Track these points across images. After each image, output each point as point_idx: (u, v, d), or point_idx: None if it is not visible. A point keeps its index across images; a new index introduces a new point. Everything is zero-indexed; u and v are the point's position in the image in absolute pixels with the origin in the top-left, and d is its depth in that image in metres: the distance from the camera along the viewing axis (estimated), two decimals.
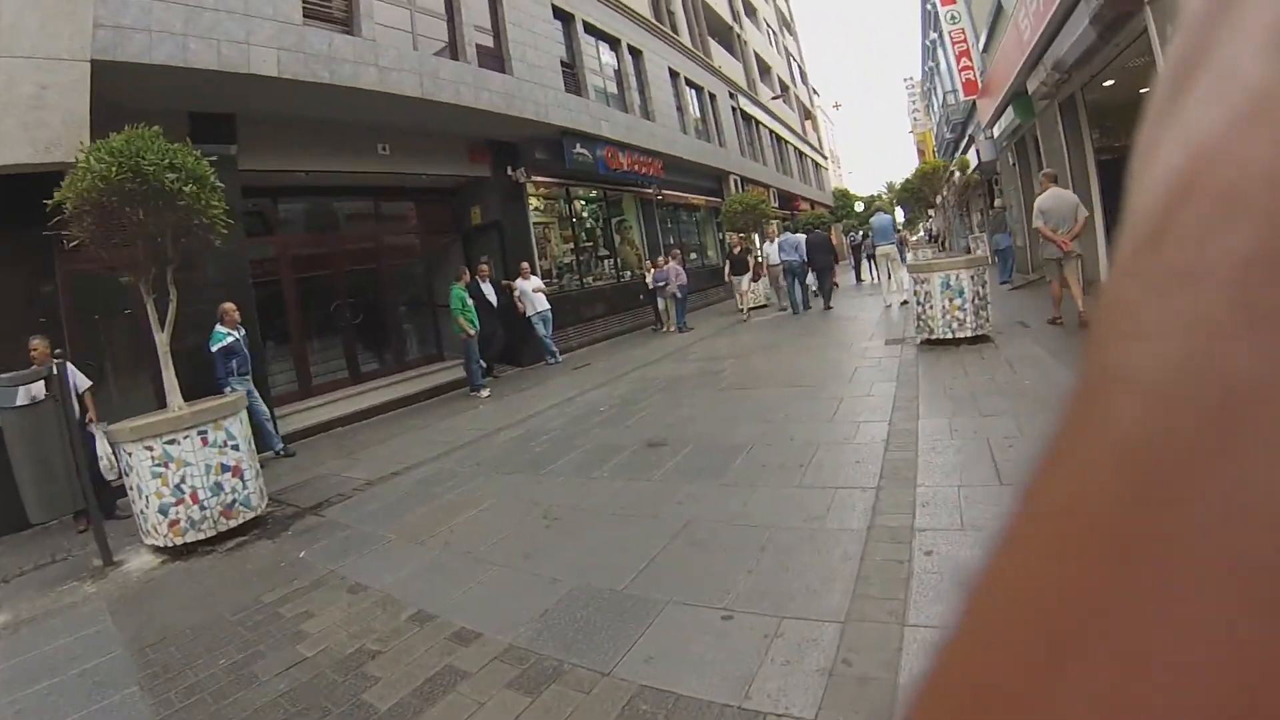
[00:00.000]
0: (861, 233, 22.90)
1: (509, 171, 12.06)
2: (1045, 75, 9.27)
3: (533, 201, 13.00)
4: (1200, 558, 0.09)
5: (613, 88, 15.46)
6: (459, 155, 11.52)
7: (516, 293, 11.15)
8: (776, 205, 27.66)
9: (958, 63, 16.83)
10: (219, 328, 7.13)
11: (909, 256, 14.11)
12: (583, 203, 15.17)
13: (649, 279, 13.90)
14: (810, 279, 13.95)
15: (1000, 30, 12.80)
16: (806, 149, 38.60)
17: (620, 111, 15.15)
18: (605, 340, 13.85)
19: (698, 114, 20.90)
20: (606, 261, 15.64)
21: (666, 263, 13.36)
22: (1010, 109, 12.65)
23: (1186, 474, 0.09)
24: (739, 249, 14.51)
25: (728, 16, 26.76)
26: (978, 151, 17.88)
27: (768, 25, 35.33)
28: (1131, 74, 8.80)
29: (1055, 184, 7.62)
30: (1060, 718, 0.09)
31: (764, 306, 15.53)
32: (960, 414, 4.79)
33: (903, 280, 11.67)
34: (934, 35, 24.57)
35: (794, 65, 42.04)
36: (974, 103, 17.67)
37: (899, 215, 22.71)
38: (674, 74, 18.93)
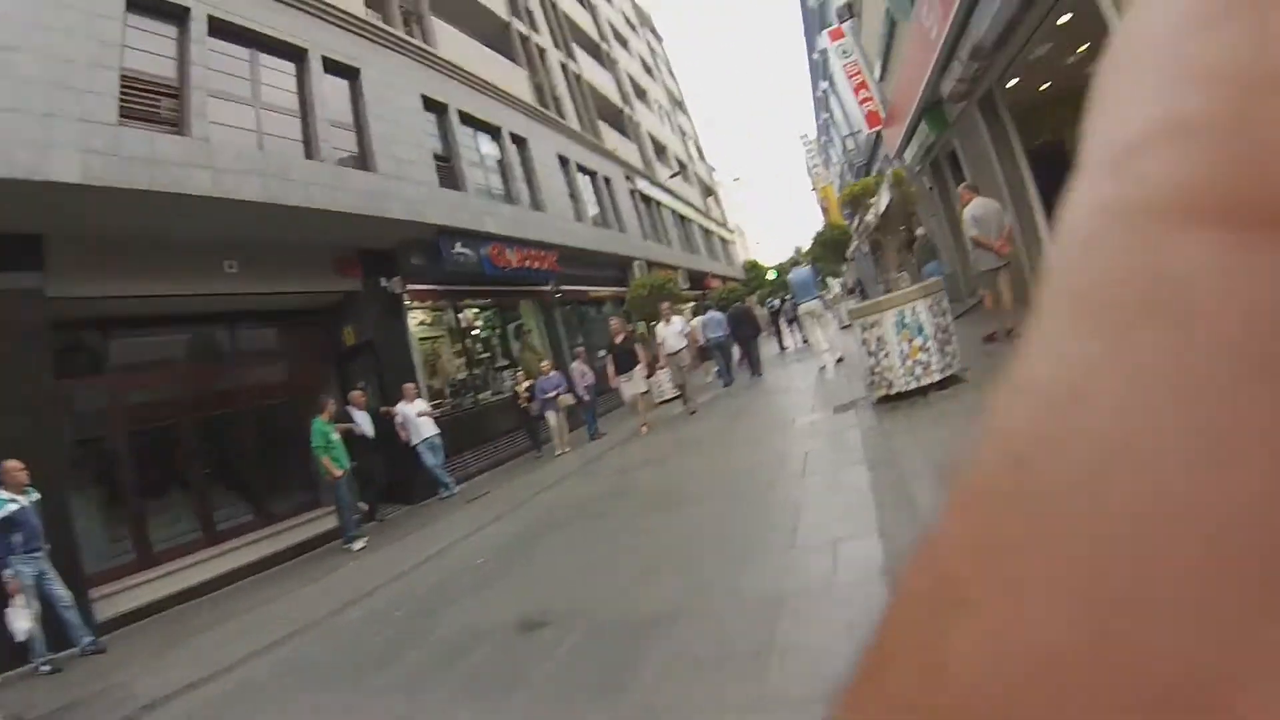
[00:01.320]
0: (779, 299, 22.87)
1: (382, 283, 11.16)
2: (962, 69, 8.93)
3: (416, 315, 12.12)
4: (1052, 516, 0.12)
5: (496, 180, 14.90)
6: (323, 268, 10.57)
7: (398, 419, 10.03)
8: (687, 286, 27.57)
9: (856, 95, 16.92)
10: None
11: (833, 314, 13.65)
12: (475, 311, 14.35)
13: (522, 390, 12.31)
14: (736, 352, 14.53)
15: (896, 51, 12.91)
16: (712, 225, 39.22)
17: (506, 204, 14.55)
18: (512, 460, 12.76)
19: (593, 200, 20.64)
20: (507, 373, 14.73)
21: (550, 370, 11.90)
22: (922, 125, 12.50)
23: (1042, 455, 0.12)
24: (621, 337, 11.49)
25: (616, 99, 27.13)
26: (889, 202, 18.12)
27: (659, 105, 36.23)
28: (1036, 69, 8.91)
29: (977, 194, 7.98)
30: (955, 642, 0.12)
31: (675, 399, 13.69)
32: None
33: (833, 337, 11.39)
34: (825, 85, 25.51)
35: (689, 143, 43.21)
36: (879, 136, 17.86)
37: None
38: (564, 160, 18.65)
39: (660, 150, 33.03)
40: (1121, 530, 0.11)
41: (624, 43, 33.34)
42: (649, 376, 11.95)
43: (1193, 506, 0.10)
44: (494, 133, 15.31)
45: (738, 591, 3.48)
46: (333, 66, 10.75)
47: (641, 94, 33.04)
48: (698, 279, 30.69)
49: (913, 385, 6.10)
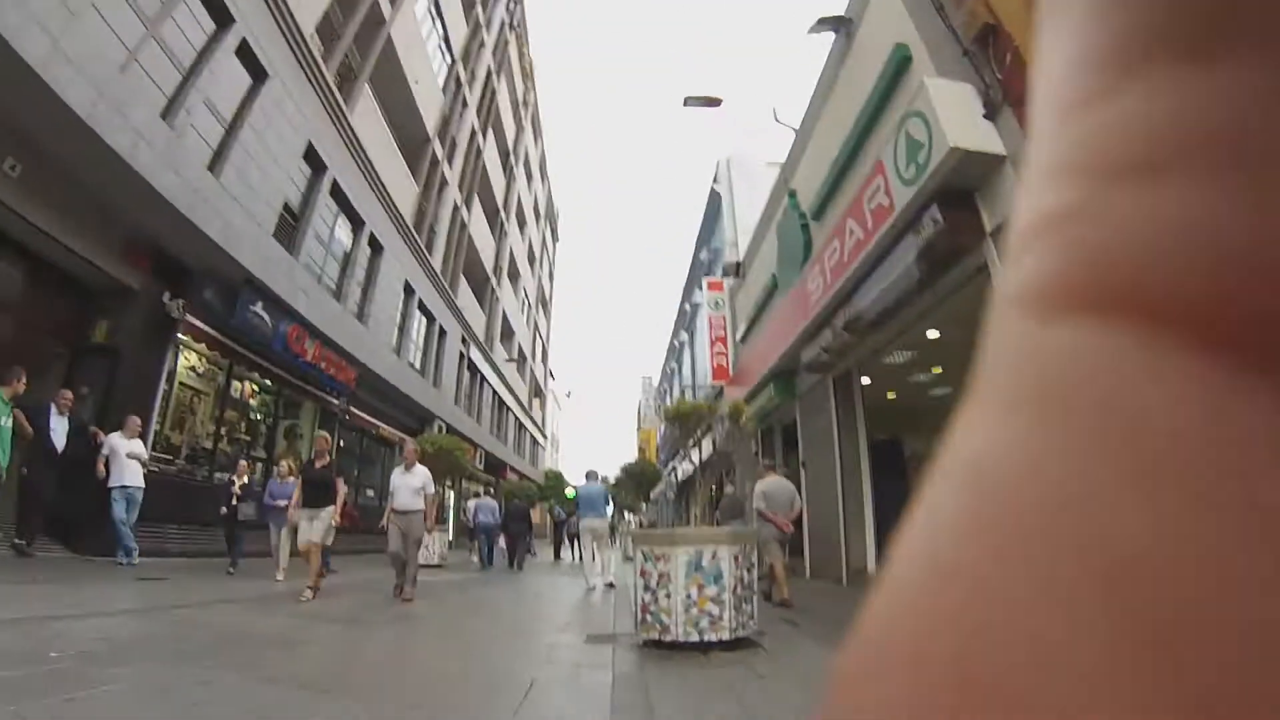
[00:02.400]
0: (566, 512, 22.37)
1: (164, 299, 9.68)
2: (831, 338, 9.16)
3: (187, 356, 10.59)
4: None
5: (333, 269, 13.95)
6: (110, 245, 9.00)
7: (104, 450, 8.21)
8: (482, 468, 26.49)
9: (711, 348, 17.77)
10: None
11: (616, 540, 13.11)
12: (253, 387, 12.79)
13: (237, 485, 9.79)
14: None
15: (765, 316, 13.59)
16: (528, 423, 38.86)
17: (331, 297, 13.51)
18: (219, 557, 10.63)
19: (420, 343, 19.89)
20: (259, 465, 12.98)
21: (290, 477, 9.55)
22: (769, 389, 12.85)
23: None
24: (323, 461, 8.38)
25: (489, 267, 27.40)
26: (713, 441, 18.38)
27: (525, 295, 37.04)
28: (889, 375, 9.31)
29: (774, 472, 8.75)
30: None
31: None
32: None
33: (608, 561, 10.95)
34: (684, 337, 26.82)
35: (538, 341, 43.94)
36: (720, 392, 18.57)
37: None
38: (409, 290, 18.06)
39: (508, 334, 33.18)
40: (997, 616, 0.11)
41: (522, 224, 34.57)
42: (343, 517, 8.37)
43: (1058, 590, 0.11)
44: (356, 224, 14.61)
45: None
46: (246, 54, 10.10)
47: (514, 275, 33.75)
48: (496, 466, 29.65)
49: (693, 638, 5.23)
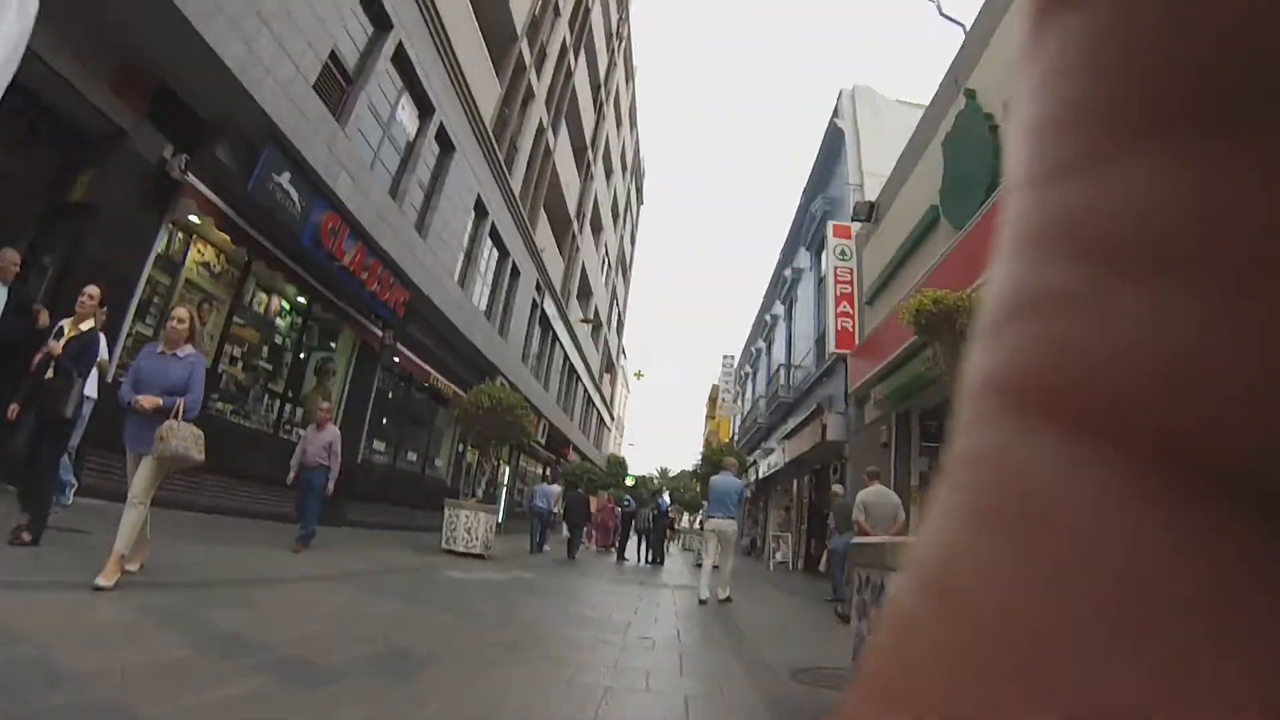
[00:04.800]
0: (638, 501, 21.05)
1: (165, 154, 7.56)
2: None
3: (200, 249, 8.74)
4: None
5: (389, 156, 11.63)
6: (102, 72, 6.94)
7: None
8: (543, 442, 24.33)
9: (836, 306, 14.93)
10: None
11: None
12: (283, 302, 10.77)
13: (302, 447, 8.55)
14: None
15: (906, 274, 11.37)
16: (598, 399, 36.62)
17: (384, 191, 11.22)
18: (203, 513, 8.60)
19: (489, 280, 17.65)
20: (277, 403, 10.97)
21: (323, 426, 8.54)
22: (927, 354, 9.93)
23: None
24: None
25: (572, 209, 25.05)
26: (823, 428, 15.40)
27: (606, 253, 34.70)
28: None
29: (878, 481, 8.64)
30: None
31: (476, 555, 10.75)
32: None
33: (728, 572, 9.49)
34: (779, 309, 23.97)
35: (615, 308, 41.60)
36: (823, 375, 16.28)
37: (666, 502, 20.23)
38: (482, 209, 15.74)
39: (585, 292, 30.93)
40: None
41: (609, 171, 32.20)
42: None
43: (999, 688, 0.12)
44: (424, 109, 12.27)
45: None
46: None
47: (598, 227, 31.44)
48: (558, 443, 27.45)
49: None
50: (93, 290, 5.70)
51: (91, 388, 5.90)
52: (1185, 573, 0.11)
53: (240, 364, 10.10)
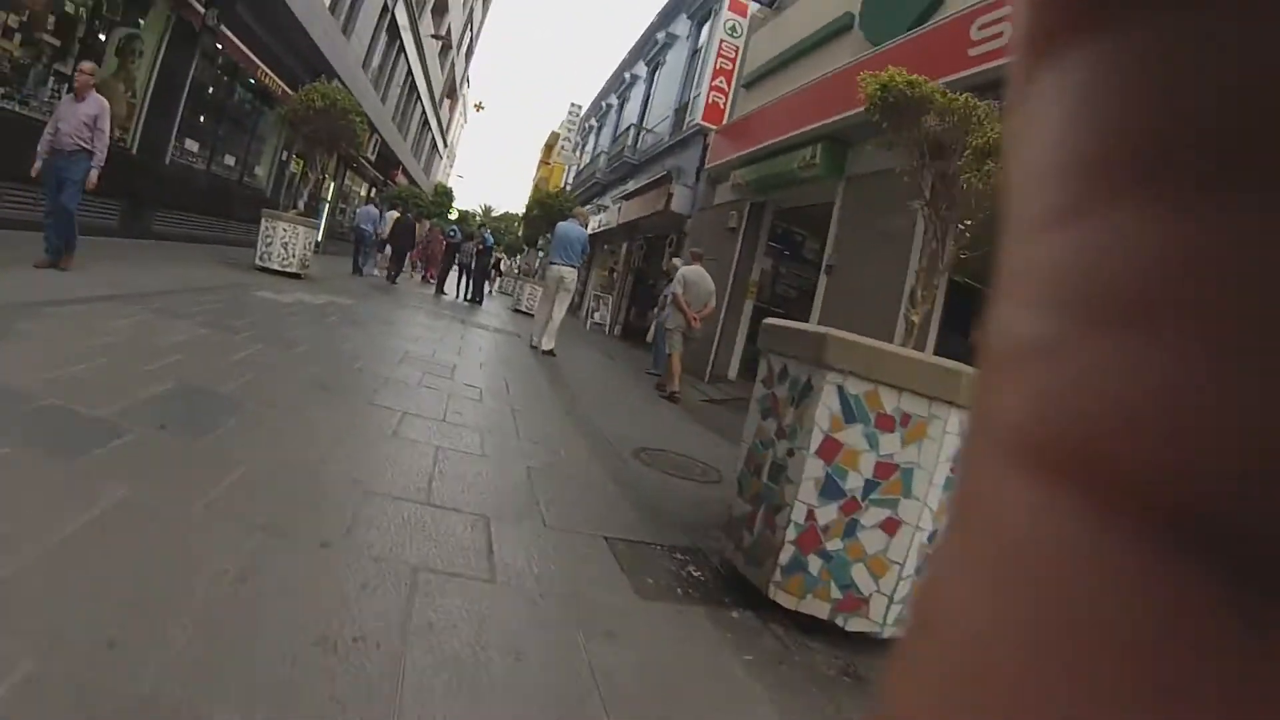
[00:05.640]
0: (457, 230, 20.40)
1: None
2: None
3: None
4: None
5: None
6: None
7: None
8: (373, 159, 23.01)
9: (711, 80, 14.83)
10: None
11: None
12: None
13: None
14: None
15: (803, 67, 11.10)
16: (434, 122, 34.51)
17: None
18: None
19: None
20: (64, 88, 8.93)
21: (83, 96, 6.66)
22: (804, 153, 9.75)
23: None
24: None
25: None
26: (669, 196, 15.46)
27: None
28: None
29: (700, 262, 9.13)
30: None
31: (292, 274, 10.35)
32: None
33: (558, 323, 9.96)
34: (642, 69, 23.16)
35: (470, 31, 38.34)
36: (689, 140, 15.85)
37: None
38: None
39: (441, 9, 28.15)
40: None
41: None
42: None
43: None
44: None
45: None
46: None
47: None
48: (389, 163, 26.04)
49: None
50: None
51: None
52: (1142, 612, 0.11)
53: (17, 37, 8.38)
